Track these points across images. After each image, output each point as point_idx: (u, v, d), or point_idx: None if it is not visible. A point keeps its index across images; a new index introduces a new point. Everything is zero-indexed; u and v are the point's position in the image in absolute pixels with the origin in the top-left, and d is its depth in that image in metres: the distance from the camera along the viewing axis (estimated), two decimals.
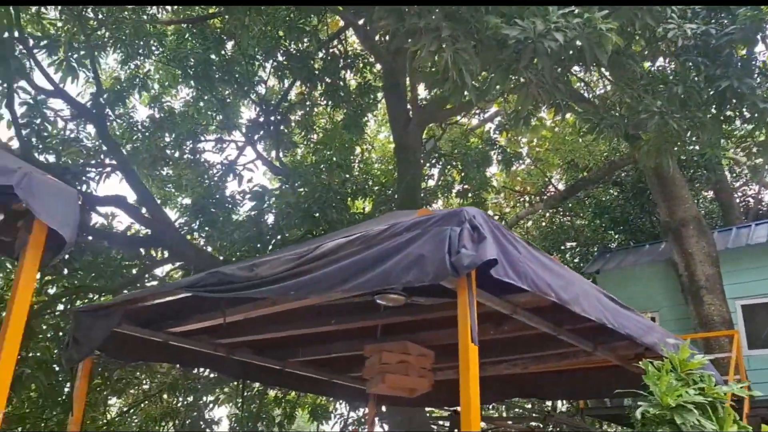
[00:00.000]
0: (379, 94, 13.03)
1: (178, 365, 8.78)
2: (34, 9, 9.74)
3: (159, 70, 12.87)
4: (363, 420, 12.29)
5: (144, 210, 8.56)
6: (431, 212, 2.93)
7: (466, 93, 5.22)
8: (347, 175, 9.47)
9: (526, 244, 3.08)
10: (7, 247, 2.96)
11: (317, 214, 7.89)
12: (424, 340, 5.00)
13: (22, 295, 2.67)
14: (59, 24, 9.85)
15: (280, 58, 11.28)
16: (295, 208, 7.85)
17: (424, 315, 4.54)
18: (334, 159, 8.35)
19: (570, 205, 16.64)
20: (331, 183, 8.20)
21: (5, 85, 8.13)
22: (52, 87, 8.72)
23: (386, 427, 10.34)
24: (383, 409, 8.24)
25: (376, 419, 9.95)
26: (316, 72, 11.22)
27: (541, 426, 10.19)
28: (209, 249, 9.79)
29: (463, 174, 12.87)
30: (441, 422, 10.20)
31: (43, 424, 8.64)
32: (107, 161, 9.09)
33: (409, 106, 9.84)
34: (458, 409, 8.10)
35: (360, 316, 4.82)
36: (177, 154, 11.67)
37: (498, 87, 5.51)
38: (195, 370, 10.71)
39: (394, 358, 4.71)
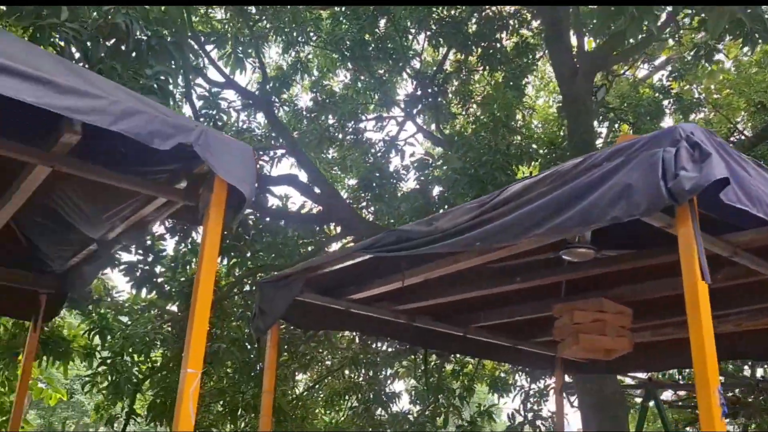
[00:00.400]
0: (538, 54, 12.42)
1: (359, 333, 8.89)
2: (202, 9, 10.27)
3: (317, 56, 13.20)
4: (545, 392, 11.86)
5: (315, 189, 8.73)
6: (633, 137, 2.53)
7: (645, 23, 4.68)
8: (513, 135, 9.06)
9: (755, 165, 2.59)
10: (192, 212, 2.98)
11: (485, 180, 7.59)
12: (618, 297, 4.54)
13: (208, 252, 2.66)
14: (226, 20, 10.34)
15: (434, 27, 11.10)
16: (461, 174, 7.60)
17: (619, 266, 4.10)
18: (498, 115, 7.96)
19: (761, 151, 14.91)
20: (498, 144, 7.85)
21: (184, 81, 8.65)
22: (224, 79, 9.17)
23: (572, 399, 9.86)
24: (568, 379, 7.80)
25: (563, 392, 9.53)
26: (471, 37, 10.91)
27: (742, 398, 9.17)
28: (378, 224, 9.85)
29: (634, 128, 11.96)
30: (632, 392, 9.53)
31: (240, 397, 9.18)
32: (277, 146, 9.39)
33: (574, 59, 9.23)
34: (652, 375, 7.51)
35: (544, 274, 4.47)
36: (340, 135, 11.89)
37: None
38: (374, 344, 10.90)
39: (587, 317, 4.32)
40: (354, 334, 11.07)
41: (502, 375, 12.38)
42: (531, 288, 4.67)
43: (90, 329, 8.70)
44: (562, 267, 4.35)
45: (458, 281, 4.56)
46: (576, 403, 10.13)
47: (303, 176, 8.92)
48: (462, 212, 3.21)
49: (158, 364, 8.75)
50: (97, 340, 8.80)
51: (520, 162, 8.95)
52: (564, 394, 11.32)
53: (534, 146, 10.89)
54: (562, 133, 11.37)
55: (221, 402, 9.79)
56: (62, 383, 14.66)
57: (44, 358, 8.43)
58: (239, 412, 9.46)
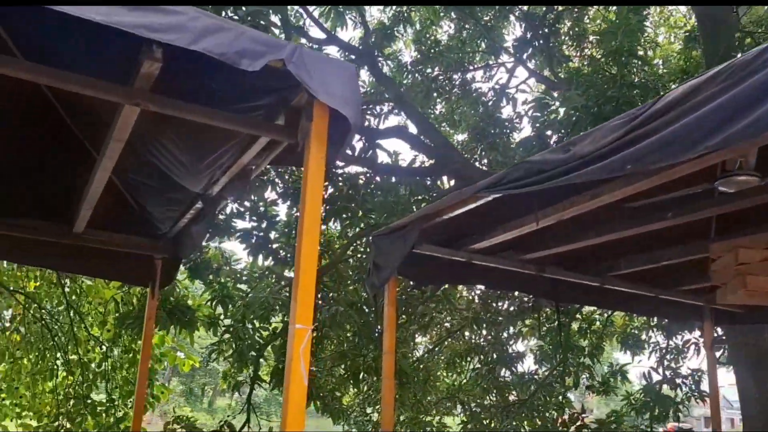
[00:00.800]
0: None
1: (479, 291, 8.45)
2: None
3: (420, 9, 12.66)
4: (683, 348, 10.96)
5: (426, 141, 8.30)
6: None
7: None
8: (641, 65, 8.19)
9: None
10: (294, 153, 2.64)
11: (610, 117, 6.84)
12: None
13: (311, 193, 2.31)
14: None
15: None
16: (583, 113, 6.92)
17: None
18: (622, 45, 7.16)
19: None
20: (624, 77, 7.08)
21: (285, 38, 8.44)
22: (325, 35, 8.88)
23: (718, 354, 8.99)
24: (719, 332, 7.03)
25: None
26: None
27: None
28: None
29: None
30: None
31: (361, 360, 9.05)
32: (384, 100, 9.01)
33: None
34: None
35: (697, 208, 3.83)
36: (447, 88, 11.36)
37: None
38: (495, 303, 10.45)
39: (755, 255, 3.66)
40: (473, 293, 10.68)
41: (635, 331, 11.57)
42: (678, 228, 4.04)
43: (212, 298, 8.80)
44: (714, 200, 3.71)
45: (594, 223, 4.02)
46: (724, 359, 9.27)
47: (412, 129, 8.51)
48: (606, 132, 2.68)
49: (278, 330, 8.74)
50: (219, 309, 8.91)
51: (648, 96, 8.08)
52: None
53: (664, 73, 9.91)
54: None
55: (343, 365, 9.72)
56: (197, 351, 15.25)
57: (171, 327, 8.66)
58: (361, 376, 9.34)
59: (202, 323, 9.01)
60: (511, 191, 3.18)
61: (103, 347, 10.05)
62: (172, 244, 4.70)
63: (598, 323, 11.46)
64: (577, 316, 11.02)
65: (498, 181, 3.27)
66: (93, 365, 10.08)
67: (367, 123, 8.29)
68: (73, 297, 10.52)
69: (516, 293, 10.76)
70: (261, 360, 8.57)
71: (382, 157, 8.66)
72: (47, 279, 10.50)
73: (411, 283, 10.21)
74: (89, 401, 9.69)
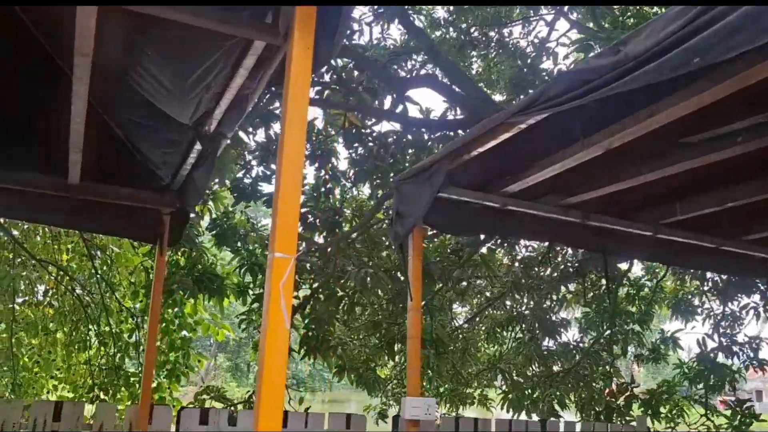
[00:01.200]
0: None
1: (519, 239, 7.91)
2: None
3: None
4: (740, 314, 10.27)
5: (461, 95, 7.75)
6: None
7: None
8: None
9: None
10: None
11: None
12: None
13: (294, 102, 1.86)
14: None
15: None
16: None
17: None
18: None
19: None
20: None
21: None
22: None
23: None
24: None
25: None
26: None
27: None
28: None
29: None
30: None
31: (396, 329, 8.66)
32: (415, 50, 8.47)
33: None
34: None
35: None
36: (483, 44, 10.73)
37: None
38: (536, 269, 9.92)
39: None
40: (513, 256, 10.15)
41: (687, 297, 10.89)
42: (749, 159, 3.45)
43: (240, 266, 8.50)
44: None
45: (648, 157, 3.48)
46: None
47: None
48: (664, 23, 2.16)
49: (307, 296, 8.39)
50: (248, 276, 8.62)
51: None
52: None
53: None
54: None
55: (377, 335, 9.35)
56: (234, 322, 15.12)
57: (201, 295, 8.40)
58: (396, 346, 8.95)
59: (232, 291, 8.73)
60: (550, 110, 2.68)
61: (135, 318, 9.89)
62: (178, 196, 4.33)
63: (647, 289, 10.84)
64: (625, 281, 10.42)
65: (534, 101, 2.77)
66: (125, 336, 9.94)
67: (395, 72, 7.78)
68: (104, 267, 10.39)
69: (559, 257, 10.23)
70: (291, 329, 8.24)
71: (413, 112, 8.16)
72: (79, 251, 10.39)
73: (448, 249, 9.82)
74: (122, 372, 9.56)
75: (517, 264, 9.88)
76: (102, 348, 9.92)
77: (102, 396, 9.46)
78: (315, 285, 8.03)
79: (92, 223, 4.53)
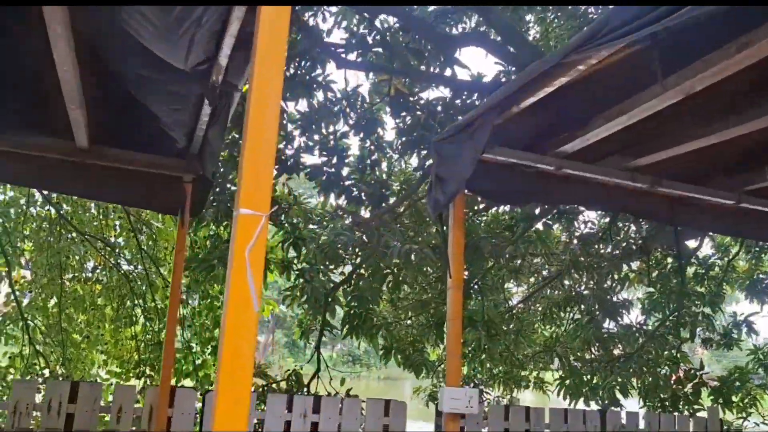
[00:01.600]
0: None
1: (576, 206, 7.26)
2: None
3: None
4: None
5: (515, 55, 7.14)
6: None
7: None
8: None
9: None
10: None
11: None
12: None
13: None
14: None
15: None
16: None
17: None
18: None
19: None
20: None
21: None
22: None
23: None
24: None
25: None
26: None
27: None
28: None
29: None
30: None
31: (445, 308, 8.19)
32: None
33: None
34: None
35: None
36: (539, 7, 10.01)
37: None
38: (596, 246, 9.26)
39: None
40: (572, 234, 9.52)
41: (761, 276, 10.05)
42: None
43: (283, 240, 8.17)
44: None
45: (733, 107, 2.90)
46: None
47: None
48: None
49: (350, 273, 8.01)
50: (292, 252, 8.28)
51: None
52: None
53: None
54: None
55: (425, 315, 8.92)
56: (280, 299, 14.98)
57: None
58: (445, 325, 8.49)
59: (276, 267, 8.42)
60: (615, 43, 2.15)
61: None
62: (199, 160, 3.95)
63: (717, 269, 10.04)
64: (693, 260, 9.66)
65: (595, 34, 2.25)
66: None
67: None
68: (150, 243, 10.28)
69: (621, 233, 9.54)
70: (335, 306, 7.86)
71: (463, 77, 7.59)
72: (126, 227, 10.33)
73: (501, 225, 9.25)
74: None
75: (575, 241, 9.23)
76: (148, 324, 9.83)
77: (148, 371, 9.38)
78: (358, 260, 7.63)
79: (110, 193, 4.21)
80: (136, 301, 10.02)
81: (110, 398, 4.81)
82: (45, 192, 8.76)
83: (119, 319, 10.26)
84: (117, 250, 10.21)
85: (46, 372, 9.60)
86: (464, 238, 3.45)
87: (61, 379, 9.51)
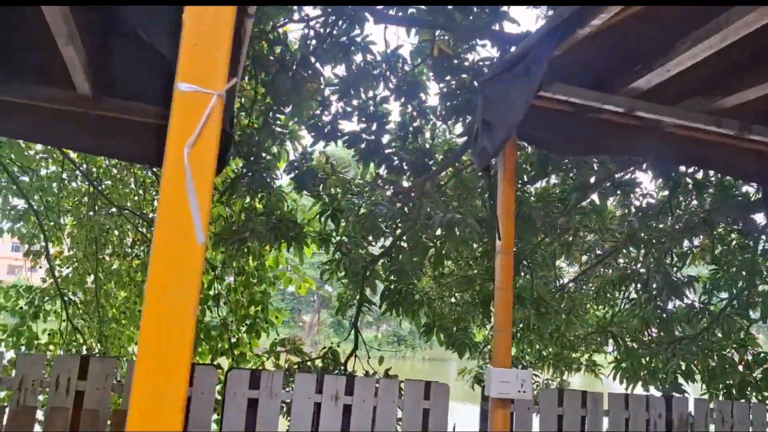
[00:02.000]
0: None
1: (646, 161, 6.55)
2: None
3: None
4: None
5: None
6: None
7: None
8: None
9: None
10: None
11: None
12: None
13: None
14: None
15: None
16: None
17: None
18: None
19: None
20: None
21: None
22: None
23: None
24: None
25: None
26: None
27: None
28: None
29: None
30: None
31: (491, 285, 7.69)
32: None
33: None
34: None
35: None
36: None
37: None
38: (657, 218, 8.57)
39: None
40: (628, 207, 8.85)
41: None
42: None
43: (321, 212, 7.77)
44: None
45: None
46: None
47: None
48: None
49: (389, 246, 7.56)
50: (330, 224, 7.88)
51: None
52: None
53: None
54: None
55: (470, 292, 8.42)
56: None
57: (283, 245, 7.77)
58: (492, 305, 7.97)
59: (313, 240, 8.02)
60: None
61: (215, 269, 9.45)
62: None
63: None
64: (761, 236, 8.89)
65: None
66: (204, 288, 9.55)
67: None
68: None
69: (681, 206, 8.85)
70: (375, 281, 7.41)
71: (510, 29, 6.99)
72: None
73: (552, 195, 8.64)
74: (202, 325, 9.17)
75: (632, 214, 8.55)
76: None
77: None
78: (398, 232, 7.16)
79: (118, 148, 3.82)
80: None
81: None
82: (48, 146, 8.44)
83: None
84: (153, 226, 10.00)
85: (84, 349, 9.49)
86: (515, 194, 2.95)
87: (98, 356, 9.37)
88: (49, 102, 3.37)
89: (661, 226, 8.78)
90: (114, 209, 9.71)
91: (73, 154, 9.30)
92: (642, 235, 8.45)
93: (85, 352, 9.23)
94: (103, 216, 9.93)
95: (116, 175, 10.17)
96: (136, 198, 10.34)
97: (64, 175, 9.92)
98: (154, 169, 9.61)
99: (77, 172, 9.65)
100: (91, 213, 9.89)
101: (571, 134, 3.02)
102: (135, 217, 10.02)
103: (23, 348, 8.98)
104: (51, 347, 9.52)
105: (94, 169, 9.99)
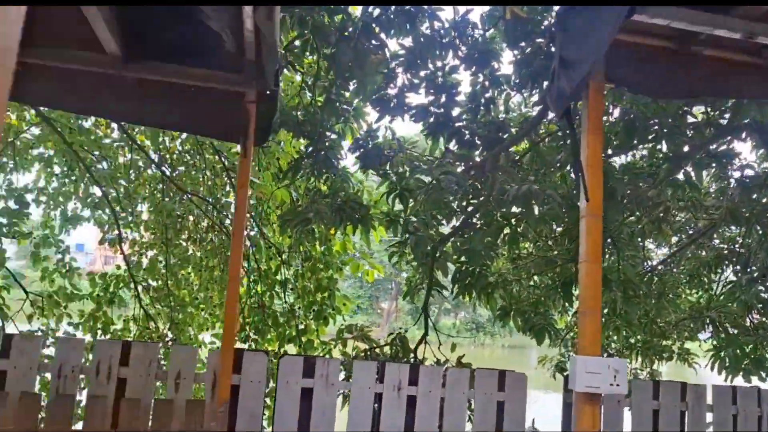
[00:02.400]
0: None
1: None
2: None
3: None
4: None
5: None
6: None
7: None
8: None
9: None
10: None
11: None
12: None
13: None
14: None
15: None
16: None
17: None
18: None
19: None
20: None
21: None
22: None
23: None
24: None
25: None
26: None
27: None
28: None
29: None
30: None
31: (573, 266, 7.10)
32: None
33: None
34: None
35: None
36: None
37: None
38: (759, 191, 7.71)
39: None
40: (724, 177, 8.01)
41: None
42: None
43: (388, 192, 7.36)
44: None
45: None
46: None
47: None
48: None
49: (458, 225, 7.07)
50: (398, 204, 7.46)
51: None
52: None
53: None
54: None
55: (549, 274, 7.83)
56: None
57: (349, 229, 7.44)
58: (574, 288, 7.36)
59: (380, 222, 7.64)
60: None
61: (281, 254, 9.25)
62: (256, 66, 3.15)
63: None
64: None
65: None
66: (272, 273, 9.35)
67: None
68: (251, 202, 9.89)
69: None
70: (446, 264, 6.94)
71: None
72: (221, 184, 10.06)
73: (639, 167, 7.89)
74: (270, 311, 8.99)
75: (732, 187, 7.73)
76: (253, 286, 9.44)
77: (252, 335, 8.99)
78: (470, 210, 6.67)
79: (152, 114, 3.51)
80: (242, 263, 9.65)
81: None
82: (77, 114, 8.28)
83: (225, 281, 9.94)
84: (224, 211, 9.89)
85: (156, 336, 9.47)
86: (602, 146, 2.43)
87: (169, 342, 9.33)
88: (75, 62, 3.08)
89: (764, 200, 7.92)
90: (186, 196, 9.64)
91: (147, 141, 9.29)
92: (743, 210, 7.63)
93: (155, 339, 9.20)
94: (177, 202, 9.89)
95: (189, 161, 10.11)
96: (209, 183, 10.25)
97: (140, 163, 9.94)
98: (224, 155, 9.48)
99: (153, 157, 9.64)
100: (167, 199, 9.87)
101: (665, 72, 2.47)
102: (205, 203, 9.93)
103: (99, 333, 9.03)
104: (126, 333, 9.55)
105: (167, 156, 9.96)
